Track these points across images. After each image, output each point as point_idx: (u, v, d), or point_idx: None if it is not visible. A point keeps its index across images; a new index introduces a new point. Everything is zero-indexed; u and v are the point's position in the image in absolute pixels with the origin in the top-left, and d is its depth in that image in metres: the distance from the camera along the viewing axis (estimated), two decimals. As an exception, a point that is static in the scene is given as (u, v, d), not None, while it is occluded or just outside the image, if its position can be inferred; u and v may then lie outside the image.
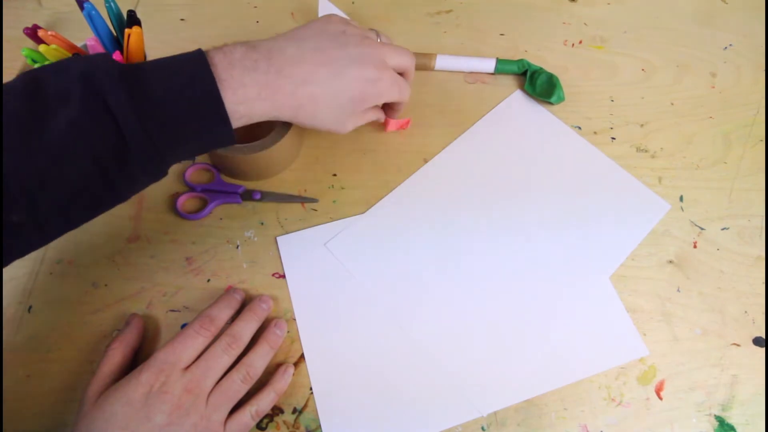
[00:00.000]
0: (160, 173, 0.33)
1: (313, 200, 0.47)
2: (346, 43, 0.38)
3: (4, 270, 0.43)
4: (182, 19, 0.58)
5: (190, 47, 0.59)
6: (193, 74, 0.31)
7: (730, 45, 0.60)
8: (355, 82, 0.37)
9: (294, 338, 0.42)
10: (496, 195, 0.48)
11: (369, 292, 0.43)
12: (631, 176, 0.50)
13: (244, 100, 0.33)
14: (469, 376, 0.41)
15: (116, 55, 0.39)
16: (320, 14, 0.55)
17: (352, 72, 0.37)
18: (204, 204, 0.46)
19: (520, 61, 0.54)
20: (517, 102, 0.54)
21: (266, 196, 0.47)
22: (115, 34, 0.41)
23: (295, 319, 0.42)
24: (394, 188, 0.48)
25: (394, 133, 0.51)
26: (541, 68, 0.54)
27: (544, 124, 0.53)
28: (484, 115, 0.53)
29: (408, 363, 0.41)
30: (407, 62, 0.41)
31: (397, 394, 0.40)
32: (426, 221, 0.47)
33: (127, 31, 0.39)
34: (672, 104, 0.55)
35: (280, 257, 0.45)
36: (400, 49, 0.41)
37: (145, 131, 0.30)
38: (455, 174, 0.49)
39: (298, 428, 0.39)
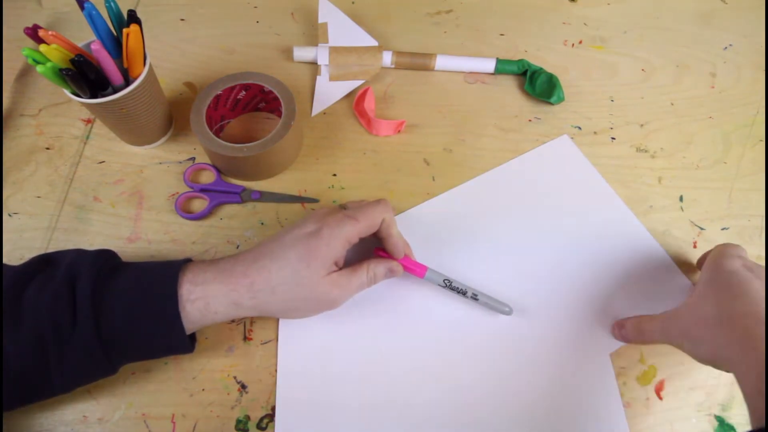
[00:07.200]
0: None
1: (313, 200, 0.47)
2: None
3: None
4: (182, 19, 0.58)
5: (190, 47, 0.59)
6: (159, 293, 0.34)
7: (730, 45, 0.60)
8: (295, 242, 0.36)
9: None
10: (514, 235, 0.46)
11: (369, 290, 0.43)
12: (664, 252, 0.46)
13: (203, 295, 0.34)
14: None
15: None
16: (320, 14, 0.56)
17: (291, 235, 0.37)
18: (204, 204, 0.46)
19: (520, 61, 0.54)
20: (562, 147, 0.51)
21: (266, 196, 0.47)
22: (115, 33, 0.41)
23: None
24: (393, 189, 0.48)
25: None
26: (541, 68, 0.54)
27: (585, 177, 0.50)
28: (523, 156, 0.51)
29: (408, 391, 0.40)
30: (375, 215, 0.38)
31: None
32: (424, 248, 0.44)
33: (125, 30, 0.39)
34: (672, 104, 0.55)
35: (280, 257, 0.45)
36: (369, 204, 0.38)
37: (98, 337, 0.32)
38: (473, 204, 0.47)
39: (298, 428, 0.39)
